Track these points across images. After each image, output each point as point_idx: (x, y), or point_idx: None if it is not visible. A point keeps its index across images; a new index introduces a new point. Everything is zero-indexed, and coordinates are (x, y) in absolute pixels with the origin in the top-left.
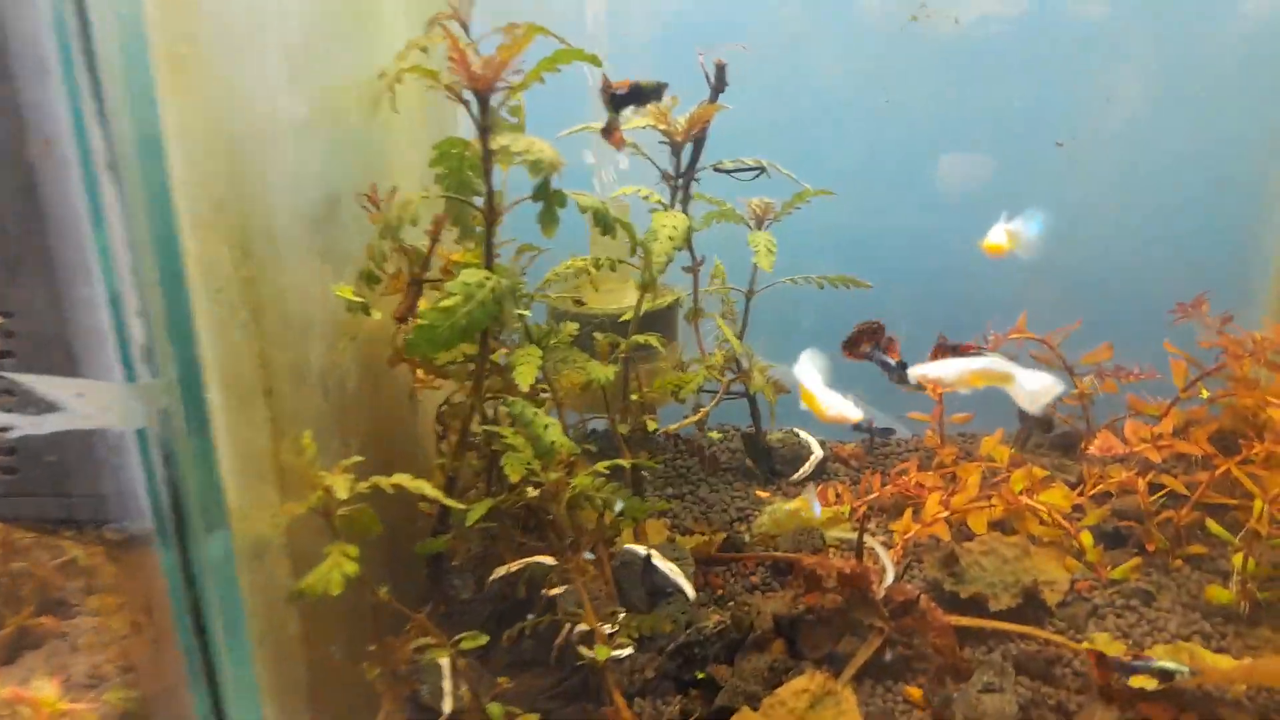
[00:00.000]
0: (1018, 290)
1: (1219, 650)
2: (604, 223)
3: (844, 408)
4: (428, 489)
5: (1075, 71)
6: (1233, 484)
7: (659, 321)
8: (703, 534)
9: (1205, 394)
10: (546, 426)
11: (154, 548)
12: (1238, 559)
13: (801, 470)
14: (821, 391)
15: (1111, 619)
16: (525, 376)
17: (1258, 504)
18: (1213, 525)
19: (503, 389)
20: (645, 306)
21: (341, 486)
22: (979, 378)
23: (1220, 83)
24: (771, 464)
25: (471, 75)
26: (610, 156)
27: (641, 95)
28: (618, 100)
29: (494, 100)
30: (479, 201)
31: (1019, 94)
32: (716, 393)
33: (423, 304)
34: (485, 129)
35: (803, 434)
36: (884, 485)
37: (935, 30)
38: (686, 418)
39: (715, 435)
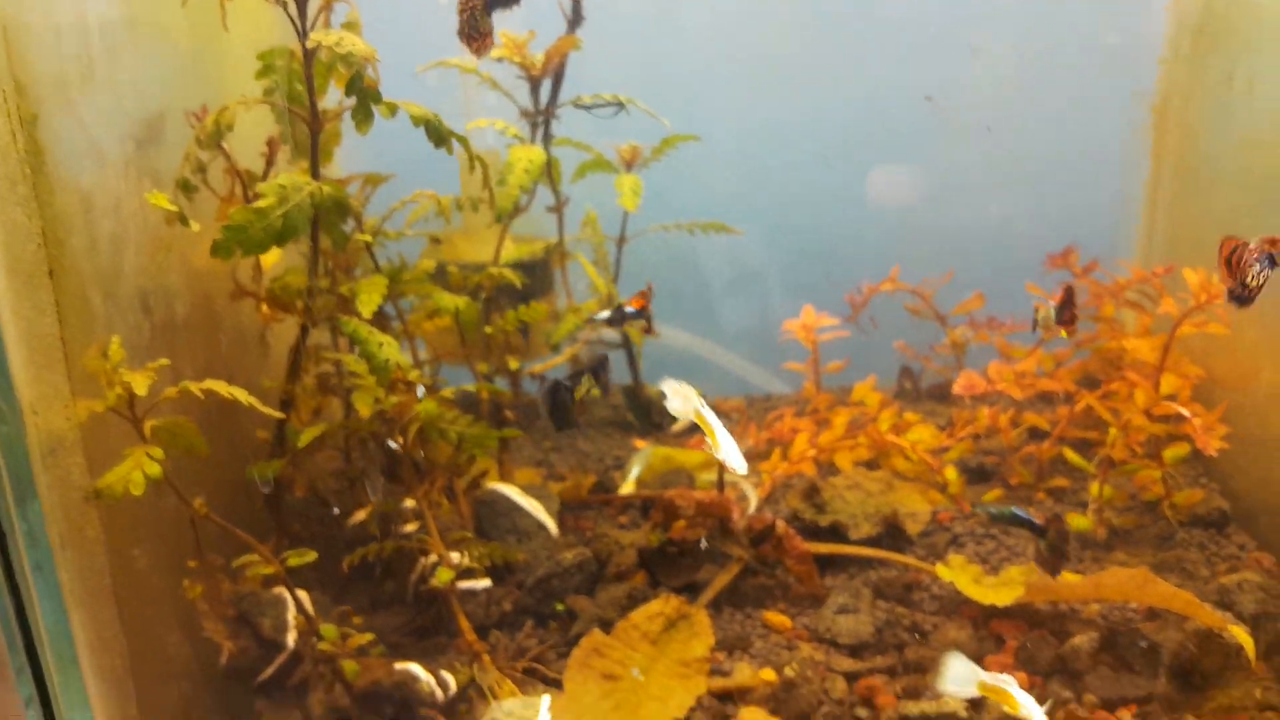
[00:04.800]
0: (891, 245)
1: (1076, 573)
2: (436, 135)
3: (734, 458)
4: (242, 395)
5: (939, 27)
6: (1096, 421)
7: (532, 273)
8: (573, 481)
9: (1065, 334)
10: (382, 344)
11: None
12: (1095, 488)
13: (680, 422)
14: (722, 434)
15: (971, 546)
16: (367, 304)
17: (1112, 432)
18: (1070, 454)
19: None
20: (517, 255)
21: (140, 383)
22: None
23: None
24: (650, 416)
25: None
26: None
27: None
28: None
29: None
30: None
31: (887, 50)
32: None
33: None
34: (303, 31)
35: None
36: (760, 433)
37: None
38: (555, 359)
39: (597, 393)
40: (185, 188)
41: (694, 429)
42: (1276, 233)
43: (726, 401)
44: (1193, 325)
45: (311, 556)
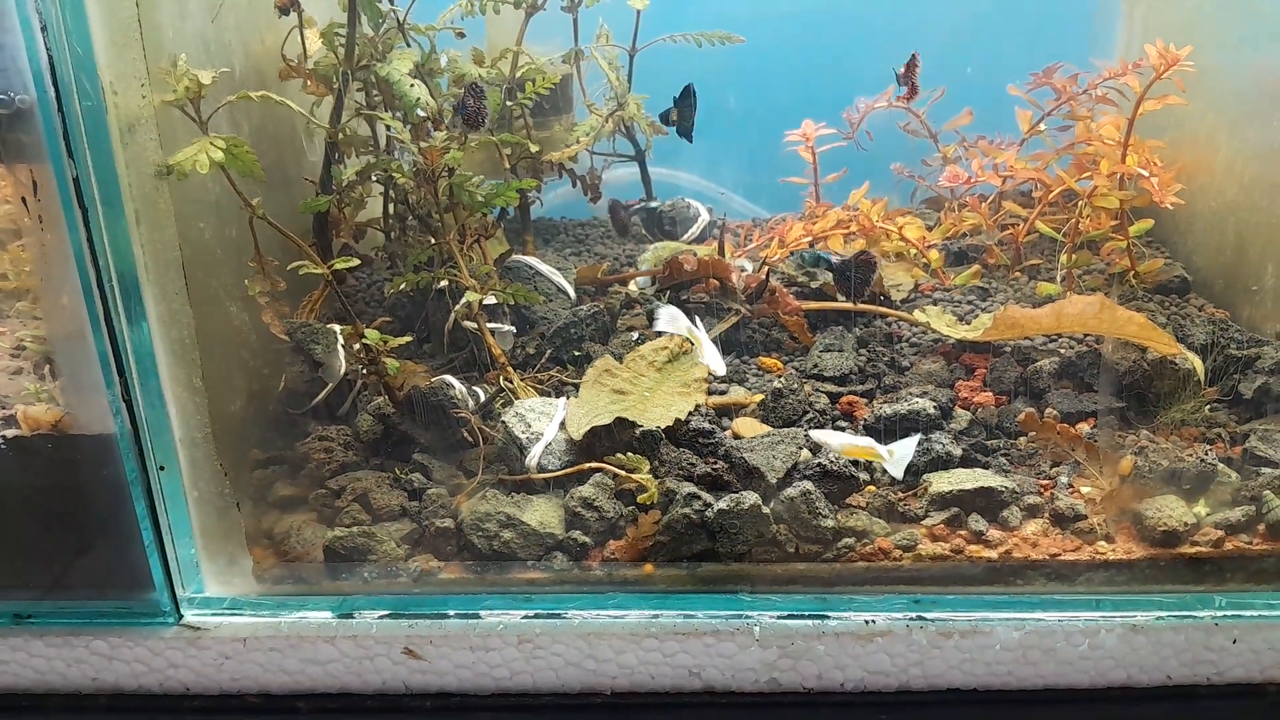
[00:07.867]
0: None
1: None
2: None
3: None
4: (293, 104)
5: None
6: (1071, 209)
7: (552, 92)
8: (590, 266)
9: (1042, 128)
10: (413, 85)
11: (35, 123)
12: (1064, 257)
13: (689, 232)
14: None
15: (949, 308)
16: (399, 67)
17: (1080, 204)
18: (1042, 225)
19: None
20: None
21: (205, 76)
22: None
23: None
24: (662, 226)
25: None
26: None
27: None
28: None
29: None
30: None
31: None
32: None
33: None
34: None
35: (693, 202)
36: (761, 237)
37: None
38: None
39: None
40: None
41: (703, 237)
42: None
43: (733, 223)
44: (1154, 102)
45: (355, 262)
